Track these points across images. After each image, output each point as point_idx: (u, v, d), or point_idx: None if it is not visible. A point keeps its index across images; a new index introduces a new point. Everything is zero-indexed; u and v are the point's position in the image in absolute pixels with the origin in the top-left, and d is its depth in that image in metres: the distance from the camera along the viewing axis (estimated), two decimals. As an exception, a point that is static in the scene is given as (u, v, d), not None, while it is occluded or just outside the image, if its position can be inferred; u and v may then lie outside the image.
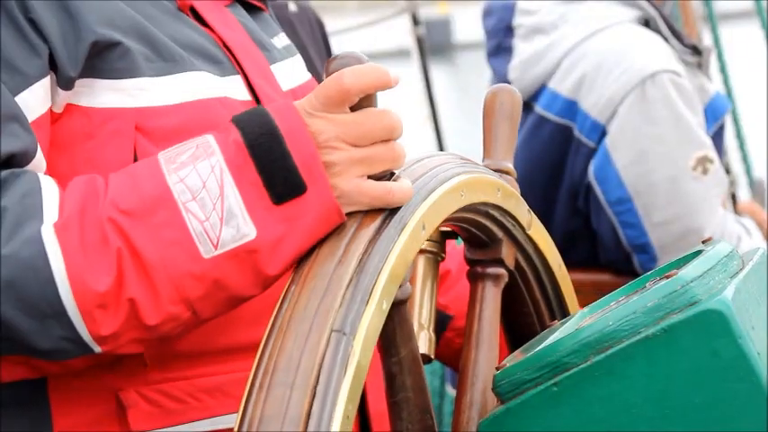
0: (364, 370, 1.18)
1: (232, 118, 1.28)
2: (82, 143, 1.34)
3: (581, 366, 1.22)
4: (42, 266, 1.20)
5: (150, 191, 1.23)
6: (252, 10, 1.61)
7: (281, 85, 1.53)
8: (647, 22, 2.76)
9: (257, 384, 1.14)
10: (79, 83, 1.34)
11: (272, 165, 1.23)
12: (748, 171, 4.14)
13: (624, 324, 1.22)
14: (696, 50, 2.76)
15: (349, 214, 1.27)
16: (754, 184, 4.14)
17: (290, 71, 1.60)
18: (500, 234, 1.51)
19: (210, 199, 1.22)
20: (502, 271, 1.52)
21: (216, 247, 1.22)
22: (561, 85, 2.73)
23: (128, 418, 1.32)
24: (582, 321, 1.31)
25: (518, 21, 2.82)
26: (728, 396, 1.19)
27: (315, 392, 1.12)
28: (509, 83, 2.82)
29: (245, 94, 1.46)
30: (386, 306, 1.23)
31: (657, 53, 2.67)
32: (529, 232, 1.54)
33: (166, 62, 1.38)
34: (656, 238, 2.68)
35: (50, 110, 1.33)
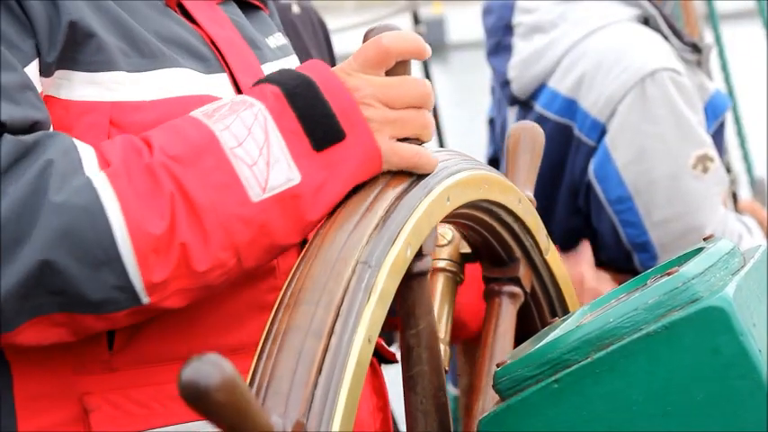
0: (387, 303, 1.21)
1: (260, 79, 1.32)
2: None
3: (582, 363, 1.22)
4: (98, 211, 1.20)
5: (197, 139, 1.25)
6: (248, 9, 1.60)
7: None
8: (646, 21, 2.76)
9: (284, 303, 1.18)
10: (58, 74, 1.33)
11: (312, 111, 1.28)
12: (749, 170, 4.14)
13: (625, 321, 1.21)
14: (696, 48, 2.76)
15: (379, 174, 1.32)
16: (754, 183, 4.14)
17: None
18: (518, 253, 1.57)
19: (256, 144, 1.26)
20: (518, 290, 1.57)
21: (264, 191, 1.25)
22: (561, 84, 2.72)
23: (90, 421, 1.30)
24: (582, 318, 1.31)
25: (517, 19, 2.81)
26: (730, 393, 1.19)
27: (339, 312, 1.16)
28: (509, 81, 2.82)
29: (230, 93, 1.44)
30: (409, 254, 1.27)
31: (657, 51, 2.67)
32: (546, 257, 1.59)
33: (144, 58, 1.37)
34: (656, 237, 2.68)
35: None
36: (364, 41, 1.34)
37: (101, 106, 1.34)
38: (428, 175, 1.35)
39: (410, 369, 1.34)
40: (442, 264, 1.65)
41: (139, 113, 1.35)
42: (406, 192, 1.31)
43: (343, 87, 1.29)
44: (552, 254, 1.61)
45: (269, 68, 1.53)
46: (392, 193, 1.30)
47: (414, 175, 1.33)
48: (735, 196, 3.43)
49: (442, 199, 1.34)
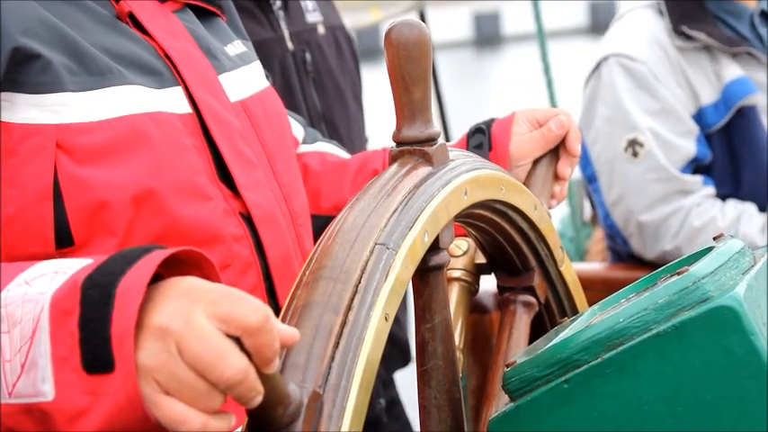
0: (403, 285, 1.22)
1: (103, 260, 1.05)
2: (3, 160, 1.28)
3: (591, 363, 1.21)
4: None
5: None
6: (205, 16, 1.56)
7: (228, 96, 1.49)
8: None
9: (303, 281, 1.18)
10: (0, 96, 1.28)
11: (95, 325, 1.00)
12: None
13: (635, 321, 1.21)
14: (731, 41, 2.77)
15: (397, 164, 1.32)
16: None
17: (243, 80, 1.55)
18: (533, 262, 1.58)
19: (21, 336, 1.02)
20: (533, 299, 1.59)
21: (10, 395, 1.03)
22: None
23: None
24: (592, 318, 1.30)
25: None
26: (740, 393, 1.18)
27: (356, 289, 1.16)
28: None
29: (185, 107, 1.41)
30: (427, 240, 1.27)
31: (626, 37, 2.79)
32: (560, 268, 1.61)
33: (92, 76, 1.33)
34: (615, 219, 2.79)
35: None
36: (385, 38, 1.32)
37: (45, 129, 1.29)
38: (446, 168, 1.35)
39: (425, 363, 1.35)
40: (456, 273, 1.67)
41: (87, 135, 1.30)
42: (423, 181, 1.31)
43: (135, 309, 0.98)
44: (567, 266, 1.63)
45: (227, 79, 1.50)
46: (410, 181, 1.30)
47: (431, 168, 1.33)
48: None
49: (460, 192, 1.35)
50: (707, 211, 2.69)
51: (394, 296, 1.19)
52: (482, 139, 1.77)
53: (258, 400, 1.00)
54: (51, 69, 1.29)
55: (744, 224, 2.69)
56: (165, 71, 1.41)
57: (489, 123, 1.80)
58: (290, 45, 2.68)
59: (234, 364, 0.97)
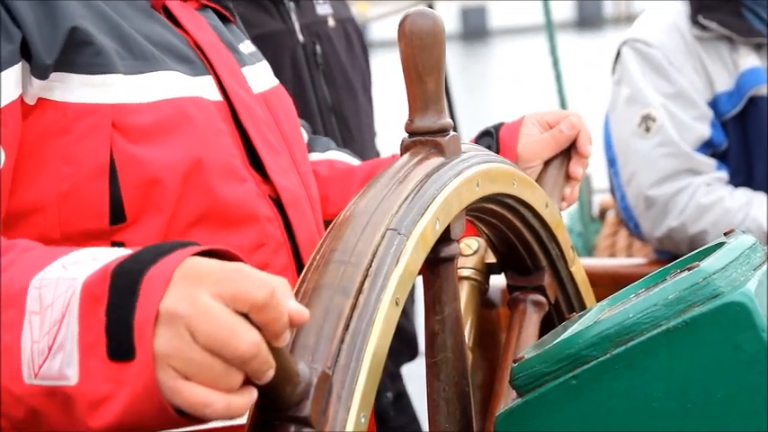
0: (414, 272, 1.22)
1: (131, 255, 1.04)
2: (55, 139, 1.31)
3: (600, 359, 1.20)
4: None
5: (14, 286, 1.06)
6: (220, 18, 1.62)
7: (251, 88, 1.54)
8: None
9: (314, 265, 1.18)
10: (53, 77, 1.31)
11: (121, 313, 1.00)
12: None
13: (645, 317, 1.20)
14: (752, 31, 2.78)
15: (409, 153, 1.33)
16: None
17: (259, 75, 1.61)
18: (544, 262, 1.58)
19: (51, 319, 1.02)
20: (543, 299, 1.58)
21: (36, 376, 1.03)
22: None
23: None
24: (601, 314, 1.29)
25: None
26: (751, 390, 1.17)
27: (367, 273, 1.17)
28: None
29: (216, 95, 1.46)
30: (438, 228, 1.27)
31: (646, 23, 2.86)
32: (571, 269, 1.60)
33: (138, 60, 1.38)
34: (629, 199, 2.82)
35: (21, 98, 1.30)
36: (399, 28, 1.33)
37: (101, 108, 1.33)
38: (458, 159, 1.35)
39: (434, 355, 1.35)
40: (467, 272, 1.67)
41: (139, 115, 1.35)
42: (435, 170, 1.31)
43: (158, 298, 0.98)
44: (577, 266, 1.62)
45: (247, 72, 1.56)
46: (422, 170, 1.30)
47: (443, 159, 1.33)
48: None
49: (472, 183, 1.35)
50: (716, 191, 2.69)
51: (404, 282, 1.20)
52: (490, 142, 1.78)
53: (271, 374, 1.00)
54: (103, 53, 1.34)
55: (755, 209, 2.68)
56: (197, 60, 1.47)
57: (498, 127, 1.82)
58: (300, 37, 2.68)
59: (247, 339, 0.97)
